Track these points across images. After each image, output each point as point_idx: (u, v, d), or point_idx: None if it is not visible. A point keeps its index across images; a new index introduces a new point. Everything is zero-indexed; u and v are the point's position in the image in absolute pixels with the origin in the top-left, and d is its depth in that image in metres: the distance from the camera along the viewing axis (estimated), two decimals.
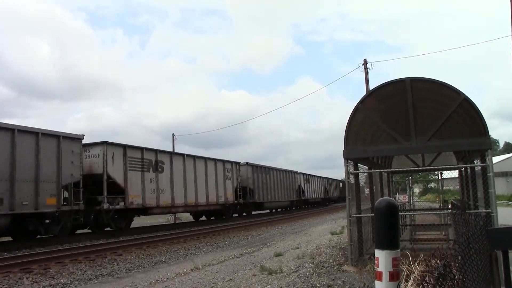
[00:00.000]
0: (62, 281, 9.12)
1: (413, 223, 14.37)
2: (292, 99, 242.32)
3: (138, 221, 25.15)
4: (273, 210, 39.65)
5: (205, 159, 26.21)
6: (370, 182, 10.80)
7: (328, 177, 58.35)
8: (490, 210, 7.09)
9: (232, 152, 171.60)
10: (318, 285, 6.58)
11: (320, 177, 52.43)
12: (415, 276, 4.64)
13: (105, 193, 18.09)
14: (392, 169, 12.86)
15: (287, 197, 39.58)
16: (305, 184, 45.06)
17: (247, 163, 32.46)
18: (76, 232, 18.53)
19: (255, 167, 33.42)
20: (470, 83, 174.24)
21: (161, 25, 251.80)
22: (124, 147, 19.74)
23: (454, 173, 15.04)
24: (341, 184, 66.91)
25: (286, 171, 40.04)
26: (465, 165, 10.68)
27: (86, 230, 19.19)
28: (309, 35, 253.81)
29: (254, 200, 32.42)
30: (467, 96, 7.45)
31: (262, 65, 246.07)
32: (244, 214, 32.87)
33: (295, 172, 42.59)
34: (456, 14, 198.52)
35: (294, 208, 43.17)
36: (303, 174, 45.09)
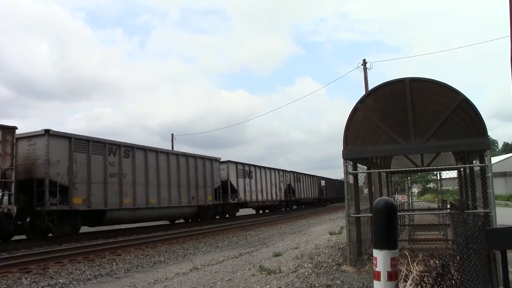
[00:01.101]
0: (61, 281, 9.11)
1: (411, 223, 14.40)
2: (292, 100, 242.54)
3: None
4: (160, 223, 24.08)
5: None
6: (369, 182, 10.81)
7: (297, 172, 42.46)
8: (488, 210, 7.11)
9: (232, 152, 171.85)
10: (317, 285, 6.58)
11: (279, 170, 37.57)
12: (413, 276, 4.65)
13: None
14: (391, 169, 12.88)
15: (187, 199, 23.30)
16: (241, 180, 29.86)
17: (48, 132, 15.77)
18: None
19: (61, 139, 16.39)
20: (469, 84, 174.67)
21: (161, 25, 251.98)
22: None
23: (453, 173, 15.07)
24: (323, 182, 51.55)
25: (183, 155, 23.94)
26: (464, 165, 10.70)
27: None
28: (308, 35, 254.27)
29: (64, 206, 15.90)
30: (466, 97, 7.47)
31: (262, 65, 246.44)
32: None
33: (213, 160, 26.65)
34: (456, 14, 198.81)
35: (217, 216, 28.18)
36: (237, 163, 29.88)
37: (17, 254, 12.17)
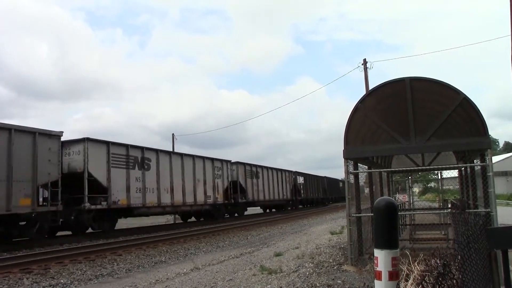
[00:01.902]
0: (62, 281, 9.12)
1: (412, 222, 14.38)
2: (292, 99, 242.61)
3: None
4: None
5: None
6: (369, 182, 10.80)
7: (253, 164, 32.07)
8: (489, 210, 7.10)
9: (232, 152, 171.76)
10: (318, 284, 6.58)
11: (213, 159, 26.74)
12: (414, 276, 4.65)
13: None
14: (392, 169, 12.87)
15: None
16: (121, 172, 18.92)
17: None
18: None
19: None
20: (469, 83, 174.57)
21: (161, 25, 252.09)
22: None
23: (454, 173, 15.05)
24: (300, 179, 40.85)
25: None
26: (464, 165, 10.69)
27: None
28: (308, 35, 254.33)
29: None
30: (466, 96, 7.46)
31: (262, 65, 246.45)
32: None
33: (38, 134, 15.13)
34: (456, 14, 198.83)
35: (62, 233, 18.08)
36: (110, 144, 18.52)
37: (18, 254, 12.19)
